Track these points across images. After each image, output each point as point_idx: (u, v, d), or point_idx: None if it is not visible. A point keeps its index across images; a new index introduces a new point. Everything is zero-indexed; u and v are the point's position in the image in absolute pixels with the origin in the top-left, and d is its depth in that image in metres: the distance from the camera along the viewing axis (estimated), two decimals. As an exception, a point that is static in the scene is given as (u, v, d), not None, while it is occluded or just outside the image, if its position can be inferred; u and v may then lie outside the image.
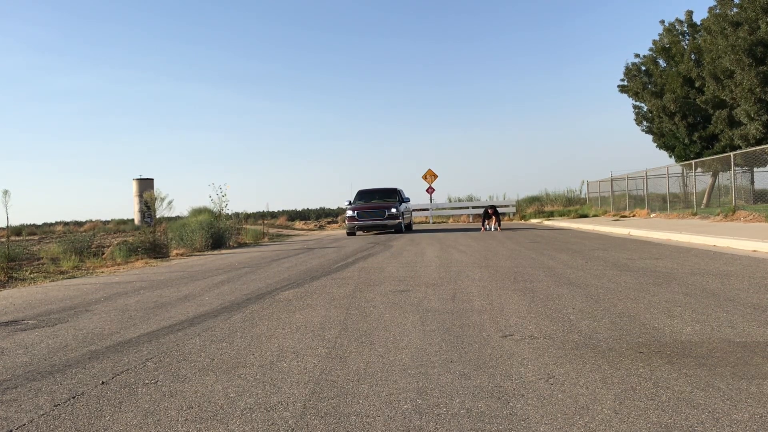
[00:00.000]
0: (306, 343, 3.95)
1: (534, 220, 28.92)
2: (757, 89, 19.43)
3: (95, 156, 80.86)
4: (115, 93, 78.92)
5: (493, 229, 19.70)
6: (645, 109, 27.46)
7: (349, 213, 20.71)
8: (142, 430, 2.50)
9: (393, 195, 21.97)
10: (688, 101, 24.06)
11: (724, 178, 21.27)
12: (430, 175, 31.85)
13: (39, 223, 51.92)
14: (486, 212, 20.70)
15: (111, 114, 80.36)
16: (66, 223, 48.10)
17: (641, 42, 71.98)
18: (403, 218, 21.13)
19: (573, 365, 3.14)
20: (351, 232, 20.74)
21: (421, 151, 74.63)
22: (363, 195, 22.26)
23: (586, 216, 27.53)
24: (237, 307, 5.61)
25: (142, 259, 13.04)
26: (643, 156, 77.18)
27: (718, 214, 17.40)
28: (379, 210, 20.44)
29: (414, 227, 26.36)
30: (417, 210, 31.86)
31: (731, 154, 18.78)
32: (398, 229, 20.69)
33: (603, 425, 2.31)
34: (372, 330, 4.28)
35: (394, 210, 20.39)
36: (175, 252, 14.59)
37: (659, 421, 2.32)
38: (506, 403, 2.61)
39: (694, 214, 19.87)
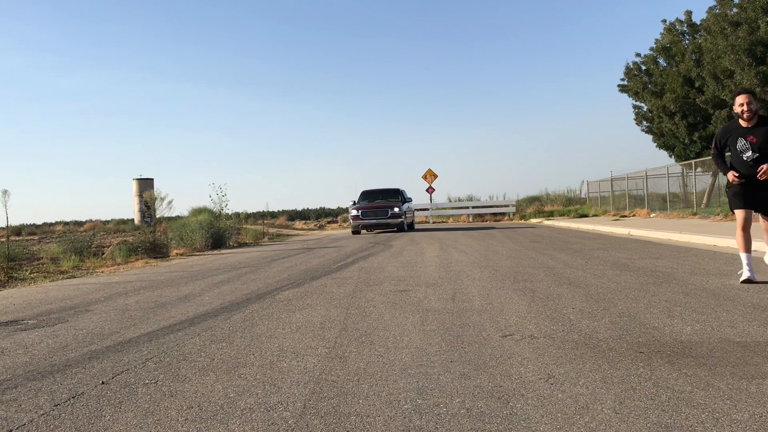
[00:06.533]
0: (306, 343, 3.95)
1: (534, 220, 28.91)
2: (757, 89, 19.41)
3: (95, 156, 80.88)
4: (115, 93, 78.93)
5: None
6: (645, 109, 27.46)
7: (354, 212, 21.33)
8: (142, 430, 2.50)
9: (396, 195, 22.67)
10: (688, 101, 24.06)
11: (724, 178, 21.24)
12: (430, 175, 31.85)
13: (39, 223, 51.95)
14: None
15: (111, 114, 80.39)
16: (66, 223, 48.06)
17: (641, 42, 72.04)
18: (405, 217, 21.68)
19: (573, 365, 3.14)
20: (356, 231, 21.38)
21: (421, 151, 74.62)
22: (367, 195, 22.99)
23: (586, 216, 27.52)
24: (237, 307, 5.61)
25: (142, 259, 13.04)
26: (643, 156, 77.20)
27: (718, 214, 17.40)
28: (382, 209, 21.03)
29: (415, 227, 26.44)
30: (417, 210, 31.84)
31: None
32: (401, 228, 21.21)
33: (603, 425, 2.31)
34: (372, 330, 4.28)
35: (396, 209, 20.97)
36: (175, 252, 14.58)
37: (659, 421, 2.32)
38: (506, 403, 2.61)
39: (694, 214, 19.87)
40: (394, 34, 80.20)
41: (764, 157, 5.56)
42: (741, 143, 5.65)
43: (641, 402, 2.54)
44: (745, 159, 5.63)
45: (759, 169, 5.55)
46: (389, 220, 20.82)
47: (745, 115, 5.64)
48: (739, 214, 5.78)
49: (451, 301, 5.38)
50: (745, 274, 5.63)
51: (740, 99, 5.68)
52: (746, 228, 5.74)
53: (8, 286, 8.75)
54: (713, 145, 6.07)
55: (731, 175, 5.72)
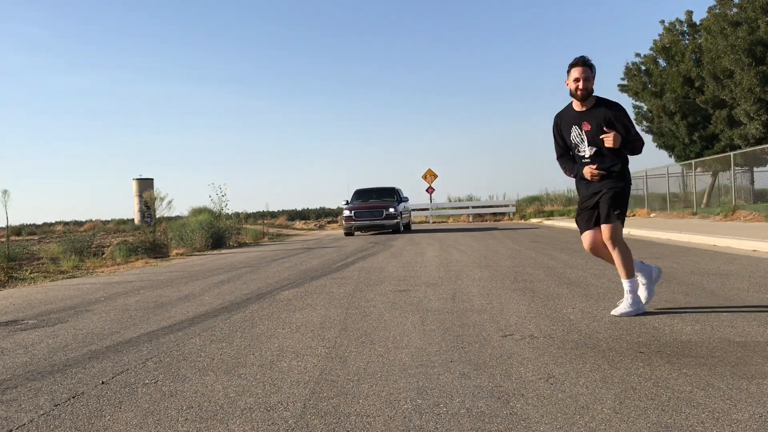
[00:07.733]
0: (306, 343, 3.95)
1: (534, 220, 28.91)
2: (757, 89, 19.43)
3: (95, 156, 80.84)
4: (115, 93, 78.94)
5: None
6: (645, 109, 27.46)
7: (347, 213, 20.39)
8: (142, 430, 2.50)
9: (391, 194, 21.64)
10: (688, 101, 24.06)
11: (724, 177, 21.29)
12: (430, 175, 31.86)
13: (39, 223, 51.82)
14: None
15: (111, 114, 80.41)
16: (66, 223, 48.03)
17: (641, 42, 71.92)
18: (401, 218, 20.77)
19: (573, 365, 3.14)
20: (349, 233, 20.44)
21: (421, 151, 74.59)
22: (360, 194, 21.94)
23: (586, 216, 27.45)
24: (237, 307, 5.61)
25: (142, 258, 13.04)
26: (643, 156, 76.95)
27: (718, 214, 17.41)
28: (376, 209, 20.07)
29: (414, 227, 26.29)
30: (417, 210, 31.87)
31: (731, 153, 18.81)
32: (396, 229, 20.37)
33: (603, 425, 2.31)
34: (372, 330, 4.27)
35: (392, 209, 20.03)
36: (175, 252, 14.58)
37: (659, 421, 2.32)
38: (506, 403, 2.61)
39: (694, 214, 19.89)
40: (394, 34, 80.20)
41: (602, 152, 4.17)
42: (574, 133, 4.20)
43: (641, 402, 2.54)
44: (580, 154, 4.24)
45: (592, 173, 4.14)
46: (384, 221, 19.80)
47: (579, 93, 4.12)
48: (586, 237, 4.40)
49: (451, 300, 5.38)
50: (634, 299, 4.30)
51: (575, 72, 4.11)
52: (600, 250, 4.43)
53: (8, 286, 8.75)
54: (555, 145, 4.51)
55: (588, 171, 4.19)
